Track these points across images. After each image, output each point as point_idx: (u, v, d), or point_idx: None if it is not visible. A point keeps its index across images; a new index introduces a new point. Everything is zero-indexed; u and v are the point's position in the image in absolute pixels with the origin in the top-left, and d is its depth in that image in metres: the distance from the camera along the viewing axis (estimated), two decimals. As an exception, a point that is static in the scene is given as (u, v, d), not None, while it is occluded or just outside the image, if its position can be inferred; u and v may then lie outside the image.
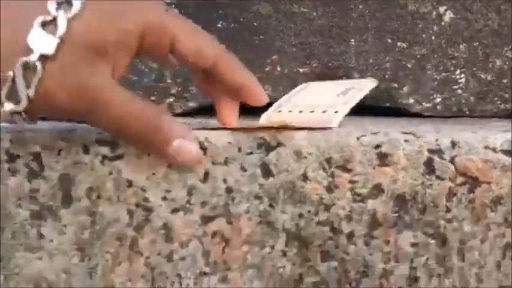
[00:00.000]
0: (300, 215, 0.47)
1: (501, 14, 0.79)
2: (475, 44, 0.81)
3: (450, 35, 0.80)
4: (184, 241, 0.46)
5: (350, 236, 0.47)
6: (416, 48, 0.81)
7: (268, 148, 0.46)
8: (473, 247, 0.47)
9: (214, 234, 0.46)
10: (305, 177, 0.46)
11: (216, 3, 0.76)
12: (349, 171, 0.46)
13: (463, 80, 0.82)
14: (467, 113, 0.82)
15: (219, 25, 0.76)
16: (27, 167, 0.45)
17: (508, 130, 0.49)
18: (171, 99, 0.76)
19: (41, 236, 0.45)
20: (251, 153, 0.46)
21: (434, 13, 0.80)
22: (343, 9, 0.80)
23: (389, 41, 0.81)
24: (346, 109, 0.50)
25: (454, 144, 0.45)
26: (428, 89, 0.82)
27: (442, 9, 0.80)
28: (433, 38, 0.80)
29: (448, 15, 0.80)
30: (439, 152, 0.45)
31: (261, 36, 0.79)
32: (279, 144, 0.46)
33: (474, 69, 0.81)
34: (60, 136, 0.45)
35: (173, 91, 0.76)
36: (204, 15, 0.76)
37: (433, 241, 0.47)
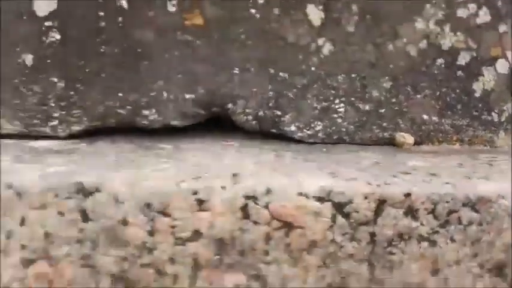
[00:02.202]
0: (124, 258, 0.47)
1: (377, 47, 0.82)
2: (353, 75, 0.83)
3: (329, 66, 0.83)
4: (6, 283, 0.46)
5: (175, 277, 0.48)
6: (297, 78, 0.83)
7: (86, 193, 0.46)
8: (295, 289, 0.48)
9: (37, 276, 0.46)
10: (125, 222, 0.46)
11: (98, 27, 0.76)
12: (168, 216, 0.46)
13: (342, 110, 0.84)
14: (348, 140, 0.85)
15: (102, 50, 0.76)
16: None
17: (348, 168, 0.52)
18: (55, 122, 0.75)
19: None
20: (69, 198, 0.46)
21: (313, 45, 0.82)
22: (227, 39, 0.81)
23: (271, 70, 0.83)
24: None
25: (269, 190, 0.47)
26: (309, 117, 0.84)
27: (320, 41, 0.82)
28: (312, 68, 0.83)
29: (327, 47, 0.82)
30: (254, 198, 0.47)
31: (146, 62, 0.79)
32: (97, 190, 0.46)
33: (352, 99, 0.84)
34: None
35: (56, 114, 0.76)
36: (85, 38, 0.75)
37: (256, 283, 0.48)
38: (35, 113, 0.76)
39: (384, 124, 0.84)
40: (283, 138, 0.84)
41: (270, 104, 0.84)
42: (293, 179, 0.48)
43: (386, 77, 0.83)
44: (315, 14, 0.82)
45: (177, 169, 0.49)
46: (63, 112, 0.76)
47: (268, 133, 0.86)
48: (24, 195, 0.45)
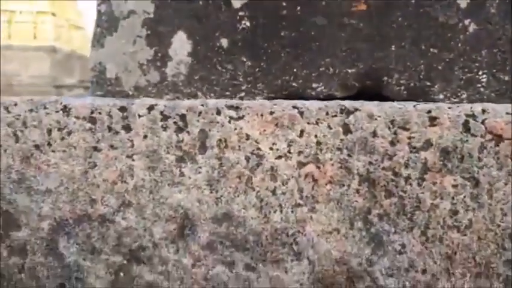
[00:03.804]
0: (370, 163, 0.64)
1: (516, 26, 0.98)
2: (494, 50, 0.99)
3: (474, 42, 0.99)
4: (285, 180, 0.64)
5: (407, 178, 0.64)
6: (445, 53, 1.00)
7: (348, 112, 0.64)
8: (499, 188, 0.64)
9: (306, 175, 0.64)
10: (375, 134, 0.64)
11: (281, 15, 0.96)
12: (407, 130, 0.64)
13: (484, 80, 1.00)
14: (489, 107, 1.00)
15: (282, 34, 0.96)
16: (175, 124, 0.63)
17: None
18: (242, 94, 0.95)
19: (182, 174, 0.63)
20: (335, 115, 0.64)
21: (460, 24, 0.99)
22: (385, 21, 0.99)
23: (423, 47, 1.00)
24: None
25: (484, 110, 0.63)
26: (456, 87, 1.00)
27: (466, 21, 0.99)
28: (459, 45, 0.99)
29: (472, 26, 0.99)
30: (473, 116, 0.63)
31: (317, 43, 0.98)
32: (356, 110, 0.64)
33: (494, 71, 0.99)
34: (201, 102, 0.64)
35: (243, 87, 0.95)
36: (270, 25, 0.95)
37: (468, 183, 0.64)
38: (227, 87, 0.96)
39: (522, 92, 0.99)
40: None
41: (421, 76, 1.01)
42: (501, 105, 0.64)
43: (524, 51, 0.99)
44: (461, -1, 0.99)
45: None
46: (249, 86, 0.96)
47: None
48: (305, 113, 0.64)
